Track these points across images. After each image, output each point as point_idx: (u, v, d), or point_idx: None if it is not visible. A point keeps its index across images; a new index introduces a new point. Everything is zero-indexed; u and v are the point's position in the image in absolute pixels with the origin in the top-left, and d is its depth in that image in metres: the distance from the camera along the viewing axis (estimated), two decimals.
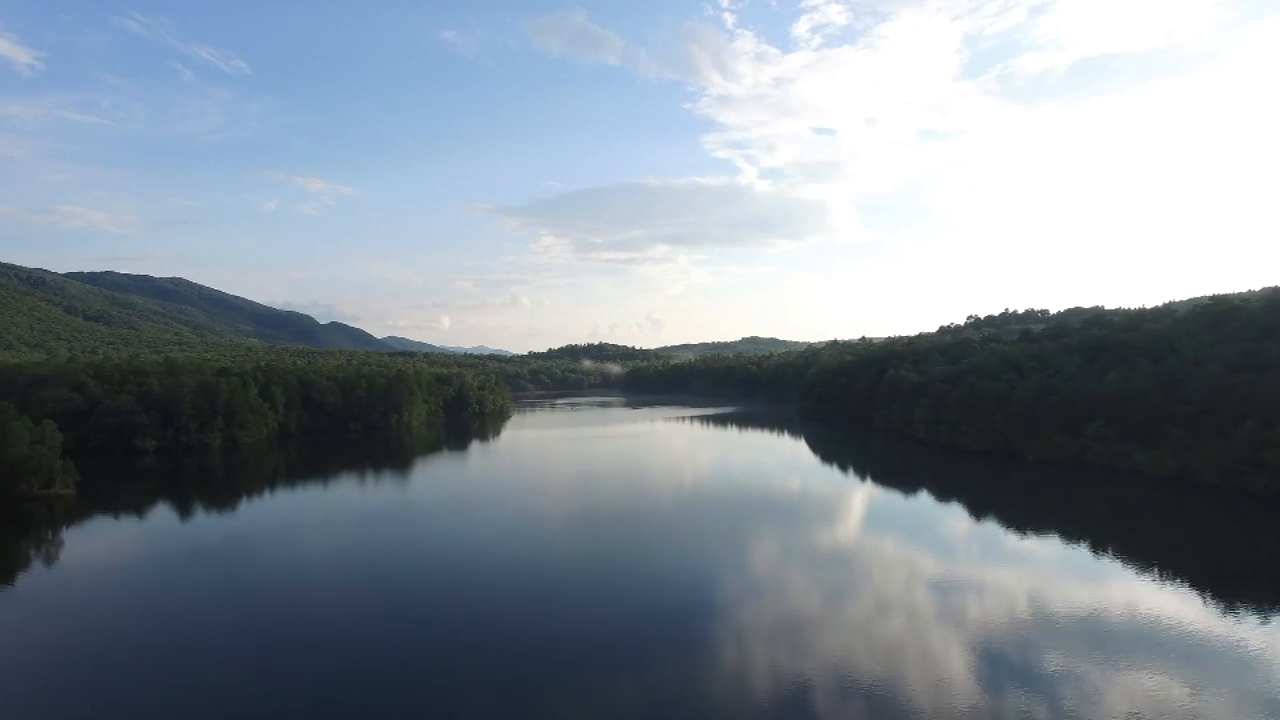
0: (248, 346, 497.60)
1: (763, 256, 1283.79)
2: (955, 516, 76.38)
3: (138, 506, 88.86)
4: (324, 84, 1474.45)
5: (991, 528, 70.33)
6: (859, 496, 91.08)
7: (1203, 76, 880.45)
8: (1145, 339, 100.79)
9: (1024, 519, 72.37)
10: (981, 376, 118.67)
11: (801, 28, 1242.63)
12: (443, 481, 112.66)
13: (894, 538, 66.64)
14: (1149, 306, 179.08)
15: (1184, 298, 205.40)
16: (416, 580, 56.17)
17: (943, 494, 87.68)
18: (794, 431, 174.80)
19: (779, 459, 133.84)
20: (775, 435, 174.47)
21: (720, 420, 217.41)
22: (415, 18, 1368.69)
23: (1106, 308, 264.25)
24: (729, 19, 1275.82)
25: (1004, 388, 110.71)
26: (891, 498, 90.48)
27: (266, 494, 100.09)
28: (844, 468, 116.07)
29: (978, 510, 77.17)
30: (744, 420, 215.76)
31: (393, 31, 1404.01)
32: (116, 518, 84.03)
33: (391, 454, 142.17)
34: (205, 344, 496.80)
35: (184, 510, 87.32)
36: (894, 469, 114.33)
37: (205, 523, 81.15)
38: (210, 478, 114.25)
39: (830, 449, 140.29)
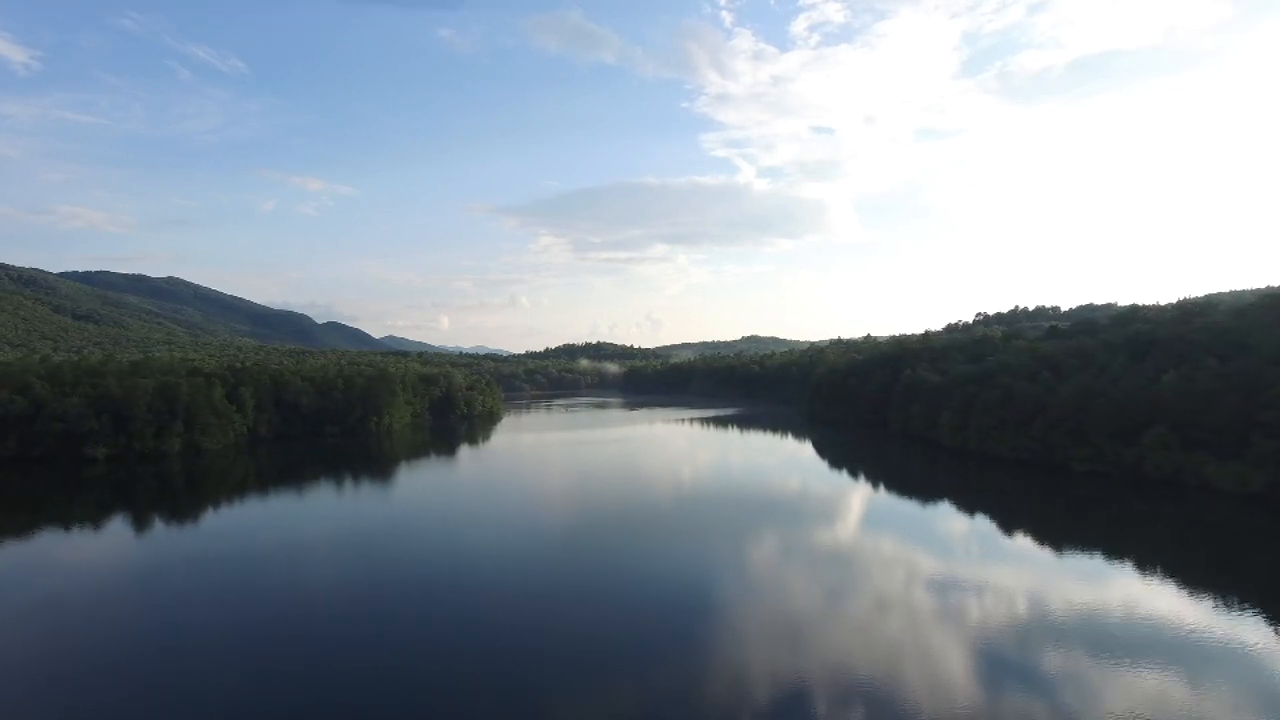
0: (238, 346, 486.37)
1: (761, 256, 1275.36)
2: (1006, 541, 64.80)
3: (69, 522, 78.72)
4: (322, 83, 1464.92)
5: (1049, 554, 58.72)
6: (886, 512, 79.29)
7: (1203, 74, 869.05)
8: (1205, 334, 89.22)
9: (1084, 541, 60.67)
10: (1014, 376, 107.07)
11: (799, 26, 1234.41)
12: (410, 496, 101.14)
13: (934, 565, 55.02)
14: (1162, 303, 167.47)
15: (1200, 294, 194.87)
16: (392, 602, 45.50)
17: (985, 511, 75.94)
18: (804, 435, 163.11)
19: (792, 469, 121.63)
20: (784, 440, 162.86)
21: (723, 422, 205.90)
22: (412, 16, 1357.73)
23: (1119, 304, 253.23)
24: (727, 17, 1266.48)
25: (1042, 389, 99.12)
26: (923, 513, 78.31)
27: (230, 505, 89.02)
28: (863, 477, 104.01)
29: (1027, 531, 65.58)
30: (748, 422, 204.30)
31: (389, 30, 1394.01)
32: (30, 538, 72.50)
33: (367, 461, 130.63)
34: (197, 344, 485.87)
35: (120, 526, 76.52)
36: (920, 479, 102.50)
37: (143, 542, 69.97)
38: (169, 488, 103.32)
39: (846, 456, 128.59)
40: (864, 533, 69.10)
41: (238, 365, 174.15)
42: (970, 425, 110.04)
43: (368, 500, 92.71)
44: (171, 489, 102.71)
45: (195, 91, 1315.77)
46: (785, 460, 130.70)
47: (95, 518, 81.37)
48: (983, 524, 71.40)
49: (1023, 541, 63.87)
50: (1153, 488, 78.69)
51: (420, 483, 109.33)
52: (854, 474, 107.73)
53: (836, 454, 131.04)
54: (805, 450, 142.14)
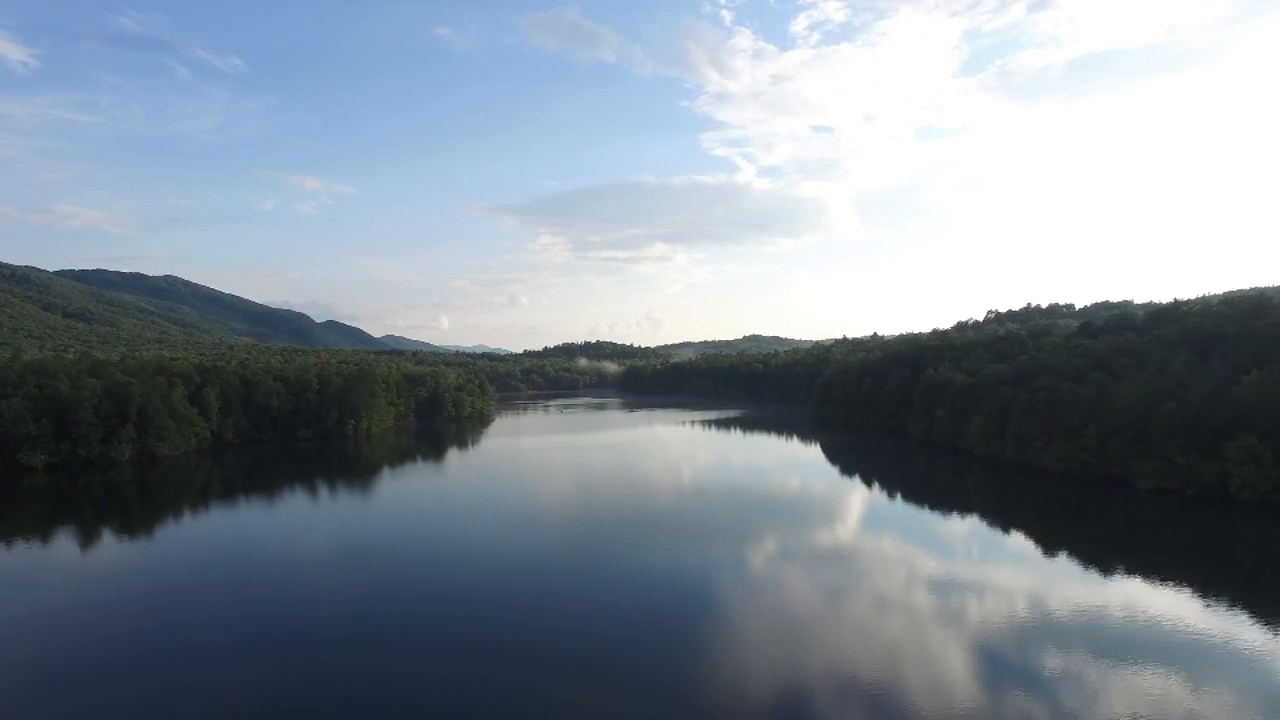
0: (230, 345, 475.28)
1: (762, 255, 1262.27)
2: (1065, 576, 52.59)
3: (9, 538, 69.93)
4: (320, 83, 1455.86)
5: (1116, 595, 46.57)
6: (926, 538, 66.88)
7: (1204, 72, 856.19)
8: None
9: (1156, 572, 48.55)
10: (1059, 377, 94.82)
11: (799, 25, 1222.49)
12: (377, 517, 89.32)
13: (984, 604, 42.94)
14: (1172, 299, 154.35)
15: (1218, 291, 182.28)
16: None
17: (1038, 538, 63.73)
18: (816, 441, 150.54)
19: (815, 485, 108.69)
20: (798, 446, 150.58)
21: (728, 425, 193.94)
22: (409, 15, 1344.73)
23: (1136, 301, 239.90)
24: (726, 16, 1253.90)
25: (1094, 391, 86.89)
26: (968, 539, 66.26)
27: (183, 521, 78.90)
28: (900, 498, 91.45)
29: (1088, 563, 53.44)
30: (756, 425, 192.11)
31: (388, 29, 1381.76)
32: None
33: (337, 471, 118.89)
34: (191, 342, 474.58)
35: (64, 544, 65.61)
36: (958, 496, 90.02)
37: (89, 561, 58.62)
38: (118, 499, 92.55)
39: (870, 469, 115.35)
40: (904, 565, 56.89)
41: (207, 364, 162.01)
42: (1007, 432, 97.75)
43: (329, 523, 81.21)
44: (119, 501, 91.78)
45: (194, 91, 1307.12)
46: (803, 472, 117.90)
47: (40, 532, 73.87)
48: (1033, 552, 59.19)
49: (1091, 578, 51.69)
50: (1240, 510, 66.41)
51: (391, 498, 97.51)
52: (882, 489, 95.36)
53: (859, 466, 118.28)
54: (824, 461, 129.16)
